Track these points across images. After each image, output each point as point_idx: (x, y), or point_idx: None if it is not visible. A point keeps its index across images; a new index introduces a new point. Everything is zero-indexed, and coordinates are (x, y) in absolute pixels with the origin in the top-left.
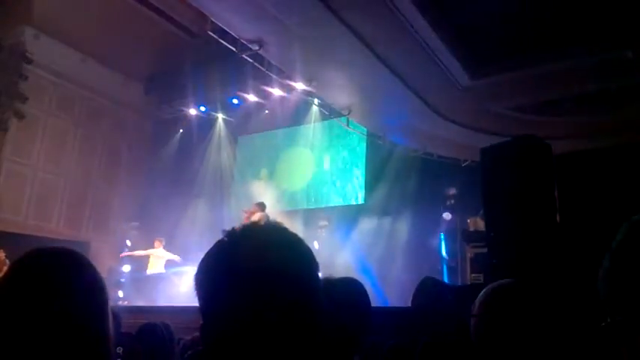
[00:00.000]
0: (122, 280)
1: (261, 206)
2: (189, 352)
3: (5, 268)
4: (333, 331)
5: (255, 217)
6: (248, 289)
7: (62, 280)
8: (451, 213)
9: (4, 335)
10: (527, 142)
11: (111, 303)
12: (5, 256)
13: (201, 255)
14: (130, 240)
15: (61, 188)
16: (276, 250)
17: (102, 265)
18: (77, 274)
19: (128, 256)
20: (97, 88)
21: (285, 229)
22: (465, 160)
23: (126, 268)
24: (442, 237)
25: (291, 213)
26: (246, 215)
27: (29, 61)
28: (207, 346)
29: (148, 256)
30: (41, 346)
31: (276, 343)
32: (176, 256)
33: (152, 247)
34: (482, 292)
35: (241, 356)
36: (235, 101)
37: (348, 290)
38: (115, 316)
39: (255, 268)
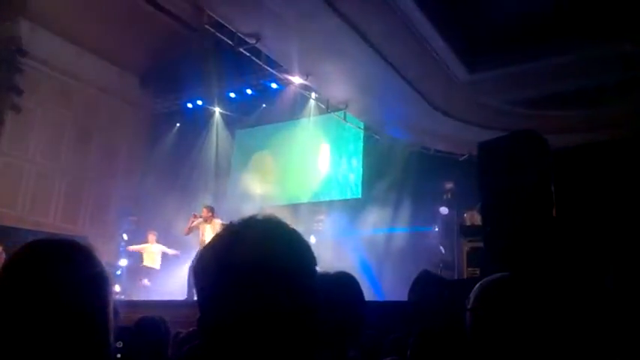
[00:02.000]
0: (118, 273)
1: (211, 210)
2: (187, 346)
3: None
4: (328, 325)
5: (201, 221)
6: (245, 282)
7: (64, 271)
8: (448, 207)
9: (3, 328)
10: (524, 136)
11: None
12: (2, 249)
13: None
14: (127, 234)
15: (58, 182)
16: (274, 244)
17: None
18: (80, 264)
19: (136, 250)
20: (93, 81)
21: (284, 223)
22: (463, 155)
23: (123, 262)
24: (438, 231)
25: (288, 207)
26: (191, 219)
27: (24, 54)
28: (204, 338)
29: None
30: (41, 338)
31: (273, 337)
32: (172, 250)
33: (147, 240)
34: (476, 285)
35: (238, 349)
36: (232, 95)
37: (343, 284)
38: (115, 310)
39: (253, 262)
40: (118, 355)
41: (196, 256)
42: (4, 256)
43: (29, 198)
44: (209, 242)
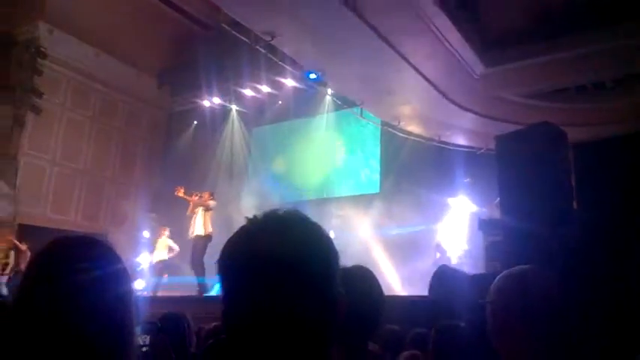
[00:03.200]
0: (139, 270)
1: (212, 195)
2: (211, 341)
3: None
4: (347, 318)
5: (202, 200)
6: (268, 275)
7: (85, 267)
8: (467, 201)
9: (27, 323)
10: (543, 129)
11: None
12: (27, 247)
13: (215, 246)
14: (148, 231)
15: (78, 181)
16: (296, 238)
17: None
18: (101, 261)
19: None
20: (111, 82)
21: (307, 218)
22: (480, 149)
23: (143, 258)
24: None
25: (306, 203)
26: (195, 196)
27: (44, 56)
28: (228, 331)
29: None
30: (64, 333)
31: (295, 331)
32: (175, 245)
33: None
34: (497, 278)
35: (260, 342)
36: (249, 92)
37: (361, 278)
38: (138, 306)
39: (276, 255)
40: (144, 349)
41: (222, 250)
42: (28, 254)
43: (51, 197)
44: (233, 236)
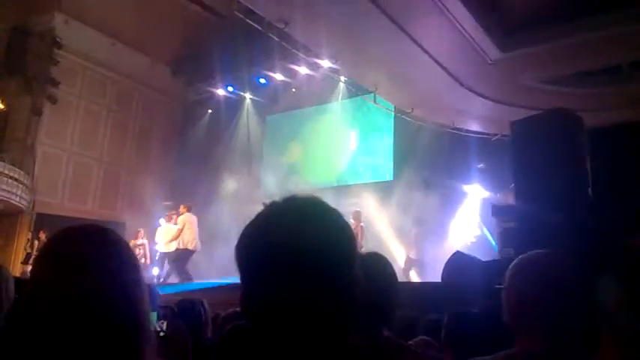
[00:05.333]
0: (156, 258)
1: (189, 208)
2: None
3: None
4: (362, 305)
5: (181, 219)
6: (286, 261)
7: (93, 255)
8: (481, 188)
9: (36, 312)
10: (558, 114)
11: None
12: (46, 237)
13: (230, 234)
14: (164, 219)
15: (95, 170)
16: (315, 223)
17: None
18: (108, 250)
19: None
20: (126, 72)
21: (325, 203)
22: (495, 135)
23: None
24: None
25: (320, 191)
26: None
27: (59, 46)
28: (246, 316)
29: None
30: (76, 322)
31: (313, 317)
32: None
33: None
34: (512, 263)
35: (278, 328)
36: (262, 81)
37: (375, 265)
38: (153, 292)
39: (294, 241)
40: (162, 334)
41: (240, 235)
42: None
43: (68, 186)
44: (251, 221)
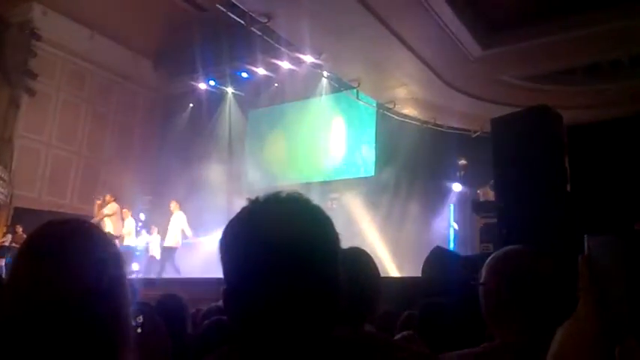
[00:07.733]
0: (137, 253)
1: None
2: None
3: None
4: (345, 301)
5: (108, 208)
6: (269, 257)
7: (79, 249)
8: (461, 184)
9: (18, 306)
10: (538, 111)
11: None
12: (22, 230)
13: (213, 228)
14: (144, 214)
15: (74, 164)
16: (298, 220)
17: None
18: (93, 244)
19: None
20: (106, 64)
21: (307, 200)
22: (476, 131)
23: (139, 241)
24: (452, 207)
25: (302, 186)
26: (99, 203)
27: (38, 38)
28: (227, 311)
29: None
30: (57, 317)
31: (296, 312)
32: (189, 229)
33: (166, 220)
34: (489, 258)
35: (260, 323)
36: (245, 75)
37: (358, 260)
38: (132, 288)
39: (277, 237)
40: (139, 330)
41: (224, 230)
42: (24, 237)
43: (46, 180)
44: (235, 216)
